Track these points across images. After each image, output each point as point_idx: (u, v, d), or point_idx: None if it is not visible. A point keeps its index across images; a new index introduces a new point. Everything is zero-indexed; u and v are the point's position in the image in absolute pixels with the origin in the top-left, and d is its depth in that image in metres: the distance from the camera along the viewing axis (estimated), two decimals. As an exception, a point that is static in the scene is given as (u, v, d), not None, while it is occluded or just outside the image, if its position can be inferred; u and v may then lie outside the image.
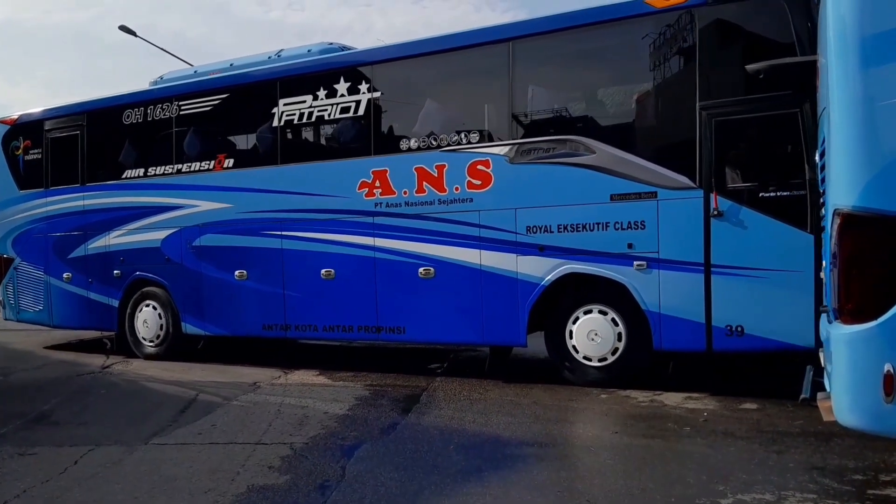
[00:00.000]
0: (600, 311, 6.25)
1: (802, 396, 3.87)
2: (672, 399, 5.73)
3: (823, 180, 3.87)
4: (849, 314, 3.23)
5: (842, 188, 3.27)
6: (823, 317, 3.87)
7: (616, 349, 6.19)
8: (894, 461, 4.08)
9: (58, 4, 53.48)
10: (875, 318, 3.12)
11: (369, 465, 4.43)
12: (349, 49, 7.84)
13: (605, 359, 6.24)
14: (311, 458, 4.57)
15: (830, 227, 3.37)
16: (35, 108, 9.62)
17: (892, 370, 3.06)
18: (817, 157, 4.46)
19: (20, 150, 9.54)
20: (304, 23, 56.72)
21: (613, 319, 6.18)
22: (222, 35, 57.13)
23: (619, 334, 6.16)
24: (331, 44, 7.91)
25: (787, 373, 5.44)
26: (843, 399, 3.29)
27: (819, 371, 4.14)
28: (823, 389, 3.83)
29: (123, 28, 16.95)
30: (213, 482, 4.15)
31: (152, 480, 4.23)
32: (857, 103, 3.21)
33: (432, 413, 5.67)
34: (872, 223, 3.15)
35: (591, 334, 6.24)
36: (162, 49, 17.70)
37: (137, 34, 17.16)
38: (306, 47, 7.90)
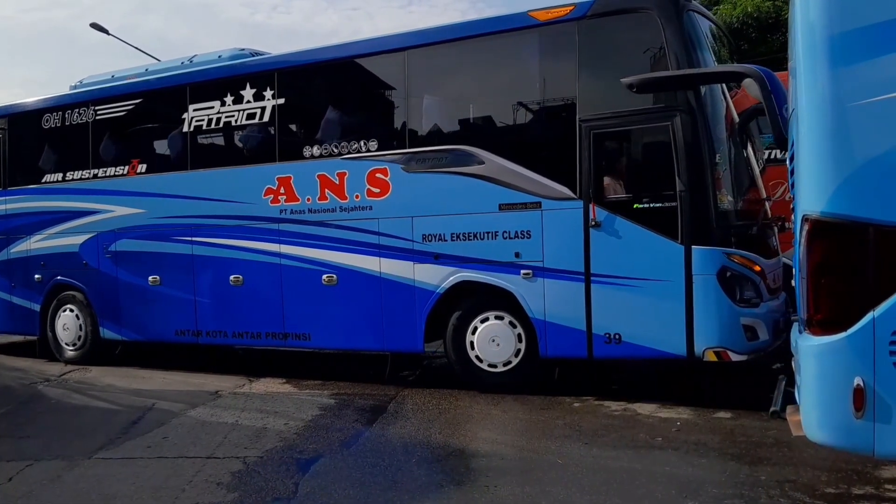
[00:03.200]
0: (497, 318, 6.24)
1: (773, 409, 3.73)
2: (646, 408, 5.62)
3: (793, 185, 3.73)
4: (817, 325, 3.08)
5: (810, 193, 3.11)
6: (795, 327, 3.73)
7: (518, 353, 6.19)
8: (868, 473, 3.99)
9: (35, 3, 52.67)
10: (845, 329, 2.96)
11: (324, 480, 4.23)
12: (261, 55, 7.77)
13: (502, 364, 6.24)
14: (263, 474, 4.35)
15: (799, 233, 3.22)
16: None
17: (862, 384, 2.90)
18: (788, 162, 4.33)
19: None
20: (289, 26, 56.15)
21: (513, 326, 6.20)
22: (205, 37, 56.73)
23: (519, 340, 6.17)
24: (242, 49, 7.84)
25: (765, 381, 5.32)
26: (812, 414, 3.13)
27: (792, 381, 4.00)
28: (795, 402, 3.68)
29: (95, 26, 16.59)
30: (155, 501, 3.92)
31: (90, 499, 3.99)
32: (825, 104, 3.03)
33: (397, 424, 5.48)
34: (842, 230, 3.00)
35: (491, 340, 6.25)
36: (136, 48, 17.48)
37: (110, 32, 16.86)
38: (218, 53, 7.88)
